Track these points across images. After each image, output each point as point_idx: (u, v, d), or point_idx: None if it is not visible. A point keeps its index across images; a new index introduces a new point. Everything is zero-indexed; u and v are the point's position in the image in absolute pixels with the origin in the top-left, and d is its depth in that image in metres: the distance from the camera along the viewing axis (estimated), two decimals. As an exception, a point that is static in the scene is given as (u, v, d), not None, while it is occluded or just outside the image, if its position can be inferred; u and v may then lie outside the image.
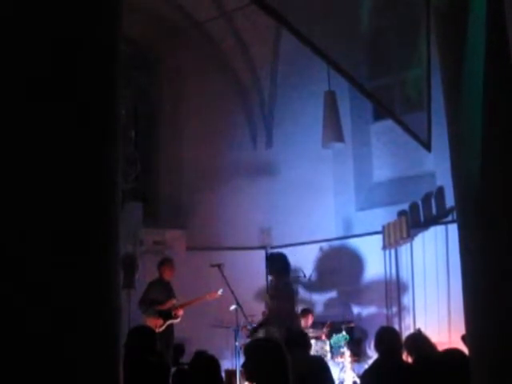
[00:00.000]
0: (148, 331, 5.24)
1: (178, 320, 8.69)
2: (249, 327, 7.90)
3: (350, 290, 10.02)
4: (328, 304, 10.25)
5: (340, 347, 8.63)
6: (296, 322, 6.56)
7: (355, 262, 10.09)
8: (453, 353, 3.64)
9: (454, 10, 3.27)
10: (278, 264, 6.92)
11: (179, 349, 8.93)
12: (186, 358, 8.17)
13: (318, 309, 10.22)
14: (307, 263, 10.28)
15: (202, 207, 10.88)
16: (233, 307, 8.15)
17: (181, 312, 8.69)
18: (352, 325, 9.35)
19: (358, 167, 10.55)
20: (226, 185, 10.97)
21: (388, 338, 4.92)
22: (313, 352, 7.13)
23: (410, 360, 5.42)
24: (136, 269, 8.64)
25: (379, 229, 9.44)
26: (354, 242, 10.19)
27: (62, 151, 1.97)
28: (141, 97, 10.86)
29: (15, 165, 1.91)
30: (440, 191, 9.23)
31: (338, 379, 8.14)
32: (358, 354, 9.17)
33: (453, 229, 5.78)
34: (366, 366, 6.48)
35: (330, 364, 6.70)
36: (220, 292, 8.70)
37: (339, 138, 9.15)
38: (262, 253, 10.45)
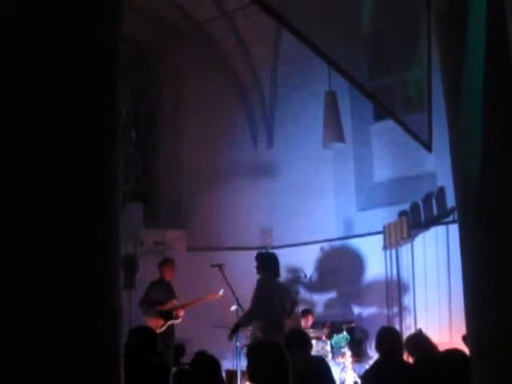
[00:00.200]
0: (148, 331, 5.23)
1: (179, 320, 8.69)
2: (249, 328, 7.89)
3: (351, 290, 10.01)
4: (329, 304, 10.25)
5: (341, 347, 8.63)
6: (275, 325, 6.49)
7: (356, 262, 10.09)
8: (454, 353, 3.64)
9: (455, 10, 3.27)
10: (264, 263, 6.91)
11: (180, 349, 8.93)
12: (187, 359, 8.17)
13: (319, 309, 10.22)
14: (308, 263, 10.28)
15: (203, 207, 10.88)
16: (233, 307, 8.15)
17: (182, 312, 8.69)
18: (353, 325, 9.35)
19: (358, 167, 10.54)
20: (227, 185, 10.97)
21: (389, 339, 4.91)
22: (314, 352, 7.13)
23: (410, 360, 5.41)
24: (137, 269, 8.64)
25: (380, 229, 9.44)
26: (354, 243, 10.19)
27: (62, 151, 1.97)
28: (141, 97, 10.85)
29: (15, 165, 1.91)
30: (441, 191, 9.23)
31: (339, 379, 8.15)
32: (358, 355, 9.17)
33: (454, 229, 5.78)
34: (367, 367, 6.48)
35: (331, 364, 6.69)
36: (221, 292, 8.69)
37: (340, 138, 9.16)
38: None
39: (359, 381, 7.74)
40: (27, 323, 1.86)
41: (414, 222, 9.44)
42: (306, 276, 10.02)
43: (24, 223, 1.90)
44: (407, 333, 8.37)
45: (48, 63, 1.98)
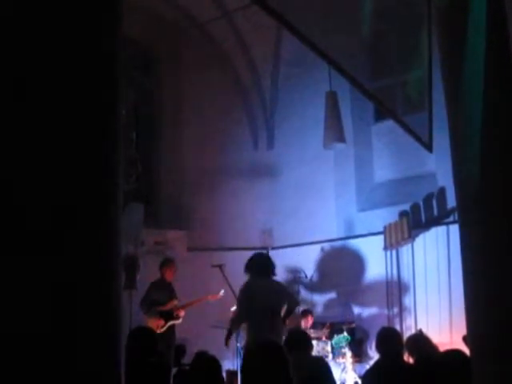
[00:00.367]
0: (148, 332, 5.23)
1: (180, 321, 8.69)
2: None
3: (351, 290, 10.01)
4: (329, 305, 10.25)
5: (341, 348, 8.63)
6: (260, 325, 6.46)
7: (356, 262, 10.08)
8: (454, 354, 3.64)
9: (455, 10, 3.27)
10: (249, 265, 6.89)
11: (180, 349, 8.93)
12: (188, 359, 8.17)
13: (319, 309, 10.22)
14: (308, 264, 10.29)
15: (204, 208, 10.88)
16: (234, 308, 8.15)
17: (182, 313, 8.69)
18: (353, 325, 9.35)
19: (359, 168, 10.55)
20: (228, 185, 10.98)
21: (389, 339, 4.91)
22: (314, 353, 7.12)
23: (411, 361, 5.41)
24: (137, 269, 8.64)
25: (380, 229, 9.44)
26: (355, 243, 10.19)
27: (62, 152, 1.97)
28: (141, 97, 10.85)
29: (15, 166, 1.91)
30: (441, 192, 9.23)
31: (340, 380, 8.15)
32: (359, 355, 9.17)
33: (454, 229, 5.79)
34: (368, 367, 6.47)
35: (332, 365, 6.69)
36: (221, 293, 8.70)
37: (340, 138, 9.15)
38: (263, 253, 10.49)
39: (359, 381, 7.74)
40: (28, 323, 1.86)
41: (415, 222, 9.44)
42: (306, 276, 10.03)
43: (24, 222, 1.90)
44: (408, 333, 8.38)
45: (48, 63, 1.98)
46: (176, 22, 10.85)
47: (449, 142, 3.35)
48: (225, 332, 7.09)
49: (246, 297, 6.64)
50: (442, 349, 5.03)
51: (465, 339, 5.93)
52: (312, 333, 8.52)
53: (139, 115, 10.36)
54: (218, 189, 10.96)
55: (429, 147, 5.12)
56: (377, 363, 4.90)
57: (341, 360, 8.56)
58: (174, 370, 6.78)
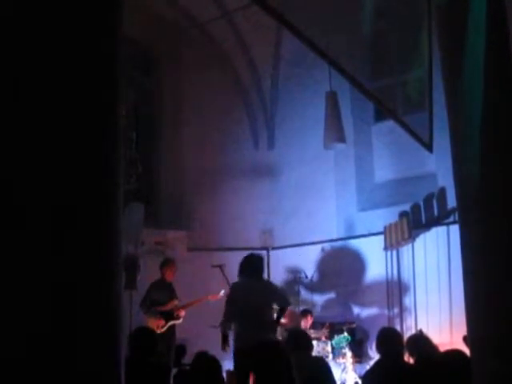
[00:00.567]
0: (148, 332, 5.24)
1: (180, 321, 8.69)
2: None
3: (352, 290, 10.01)
4: (329, 305, 10.25)
5: (342, 348, 8.63)
6: (247, 325, 6.50)
7: (357, 262, 10.08)
8: (454, 354, 3.64)
9: (455, 9, 3.27)
10: (240, 266, 6.94)
11: (181, 349, 8.93)
12: (188, 359, 8.17)
13: (320, 309, 10.22)
14: (309, 264, 10.29)
15: (204, 208, 10.88)
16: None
17: (183, 313, 8.69)
18: (353, 326, 9.34)
19: (359, 168, 10.55)
20: (228, 186, 10.98)
21: (389, 339, 4.90)
22: (314, 353, 7.13)
23: (411, 361, 5.41)
24: (138, 269, 8.64)
25: (381, 229, 9.43)
26: (355, 243, 10.18)
27: (62, 152, 1.97)
28: (141, 97, 10.85)
29: (15, 166, 1.91)
30: (441, 192, 9.23)
31: (340, 380, 8.15)
32: (359, 355, 9.17)
33: (454, 230, 5.79)
34: (368, 367, 6.47)
35: (332, 365, 6.70)
36: (222, 293, 8.69)
37: (341, 138, 9.15)
38: (264, 253, 10.47)
39: (360, 381, 7.74)
40: (28, 325, 1.86)
41: (415, 222, 9.44)
42: (306, 276, 10.03)
43: (23, 223, 1.90)
44: (408, 333, 8.38)
45: (48, 63, 1.98)
46: (176, 22, 10.85)
47: (449, 141, 3.35)
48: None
49: (231, 298, 6.69)
50: (442, 349, 5.03)
51: (465, 339, 5.93)
52: (312, 333, 8.51)
53: (139, 115, 10.35)
54: (218, 189, 10.96)
55: (429, 147, 5.13)
56: (377, 363, 4.89)
57: (341, 360, 8.56)
58: (174, 370, 6.79)
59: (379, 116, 10.33)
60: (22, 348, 1.84)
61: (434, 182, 9.45)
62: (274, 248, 10.74)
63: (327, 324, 9.18)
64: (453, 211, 8.71)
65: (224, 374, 6.63)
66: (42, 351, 1.86)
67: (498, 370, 2.90)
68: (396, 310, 9.46)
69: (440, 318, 8.75)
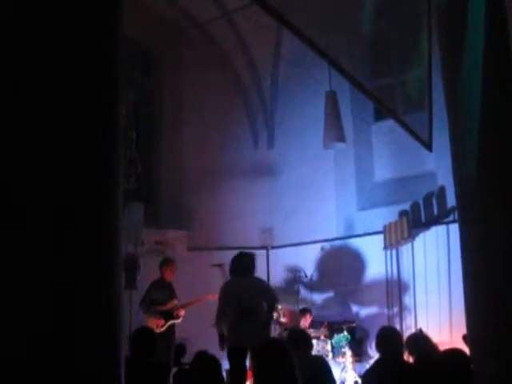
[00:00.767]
0: (147, 332, 5.24)
1: (180, 320, 8.69)
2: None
3: (351, 289, 10.01)
4: (329, 304, 10.24)
5: (341, 347, 8.63)
6: (237, 323, 6.52)
7: (356, 261, 10.08)
8: (454, 353, 3.63)
9: (455, 10, 3.27)
10: (231, 264, 6.96)
11: (180, 349, 8.92)
12: (188, 359, 8.17)
13: (320, 309, 10.21)
14: (308, 263, 10.28)
15: (204, 207, 10.88)
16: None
17: (182, 312, 8.68)
18: (353, 325, 9.34)
19: (359, 167, 10.55)
20: (228, 185, 10.98)
21: (389, 338, 4.90)
22: (314, 352, 7.12)
23: (411, 360, 5.41)
24: (137, 269, 8.64)
25: (380, 229, 9.44)
26: (355, 242, 10.18)
27: (62, 152, 1.97)
28: (141, 97, 10.85)
29: (15, 166, 1.91)
30: (441, 191, 9.23)
31: (340, 379, 8.14)
32: (359, 354, 9.17)
33: (454, 229, 5.77)
34: (368, 366, 6.47)
35: (332, 364, 6.68)
36: (222, 292, 8.68)
37: (340, 138, 9.14)
38: (264, 253, 10.49)
39: (359, 380, 7.74)
40: (28, 325, 1.86)
41: (415, 221, 9.44)
42: (306, 276, 10.03)
43: (23, 222, 1.90)
44: (407, 332, 8.37)
45: (48, 63, 1.98)
46: (176, 22, 10.85)
47: (448, 140, 3.35)
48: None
49: (222, 297, 6.72)
50: (441, 348, 5.02)
51: (465, 338, 5.93)
52: (311, 332, 8.51)
53: (139, 115, 10.35)
54: (218, 188, 10.96)
55: (429, 146, 5.13)
56: (377, 362, 4.89)
57: (341, 359, 8.55)
58: (174, 370, 6.78)
59: (379, 115, 10.33)
60: (22, 348, 1.85)
61: (434, 181, 9.45)
62: (273, 247, 10.74)
63: (325, 323, 9.18)
64: (452, 210, 8.71)
65: (224, 374, 6.64)
66: (42, 351, 1.86)
67: (498, 371, 2.90)
68: (396, 309, 9.47)
69: (440, 317, 8.75)
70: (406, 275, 9.47)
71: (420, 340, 5.56)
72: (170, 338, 8.46)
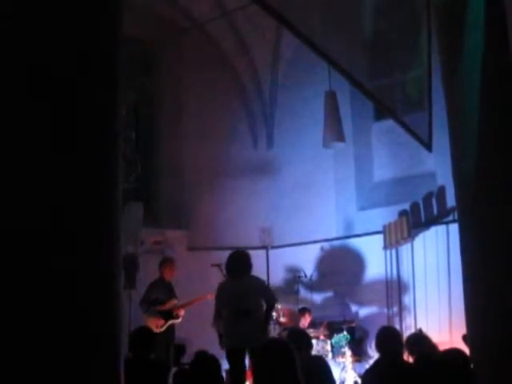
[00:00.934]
0: (146, 331, 5.24)
1: (179, 320, 8.69)
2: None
3: (351, 289, 10.02)
4: (329, 303, 10.24)
5: (341, 347, 8.63)
6: (232, 323, 6.53)
7: (356, 261, 10.09)
8: (454, 353, 3.63)
9: (454, 9, 3.28)
10: (226, 264, 6.94)
11: (180, 349, 8.92)
12: (187, 358, 8.17)
13: (319, 308, 10.21)
14: (308, 263, 10.29)
15: (203, 207, 10.88)
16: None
17: (182, 312, 8.68)
18: (353, 324, 9.35)
19: (358, 167, 10.55)
20: (227, 185, 10.98)
21: (389, 338, 4.90)
22: (314, 352, 7.12)
23: (411, 360, 5.41)
24: (137, 269, 8.64)
25: (380, 228, 9.44)
26: (354, 242, 10.19)
27: (62, 152, 1.97)
28: (141, 97, 10.85)
29: (15, 166, 1.91)
30: (441, 191, 9.23)
31: (339, 379, 8.14)
32: (359, 354, 9.16)
33: (454, 228, 5.78)
34: (367, 366, 6.47)
35: (331, 364, 6.68)
36: (221, 292, 8.67)
37: (340, 138, 9.15)
38: (263, 252, 10.49)
39: (359, 380, 7.75)
40: (29, 324, 1.86)
41: (414, 221, 9.44)
42: (306, 275, 10.03)
43: (22, 222, 1.90)
44: (407, 332, 8.38)
45: (48, 63, 1.98)
46: (176, 22, 10.85)
47: (448, 140, 3.35)
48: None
49: (218, 297, 6.72)
50: (441, 348, 5.02)
51: (464, 338, 5.92)
52: (311, 332, 8.51)
53: (139, 115, 10.37)
54: (217, 188, 10.96)
55: (428, 146, 5.14)
56: (376, 362, 4.89)
57: (340, 359, 8.55)
58: (173, 370, 6.78)
59: (378, 115, 10.34)
60: (23, 349, 1.85)
61: (434, 181, 9.45)
62: (273, 247, 10.73)
63: (325, 323, 9.19)
64: (452, 210, 8.71)
65: (224, 374, 6.65)
66: (42, 351, 1.87)
67: (497, 369, 2.90)
68: (395, 309, 9.47)
69: (439, 317, 8.75)
70: (406, 275, 9.47)
71: (420, 340, 5.56)
72: (169, 338, 8.46)
